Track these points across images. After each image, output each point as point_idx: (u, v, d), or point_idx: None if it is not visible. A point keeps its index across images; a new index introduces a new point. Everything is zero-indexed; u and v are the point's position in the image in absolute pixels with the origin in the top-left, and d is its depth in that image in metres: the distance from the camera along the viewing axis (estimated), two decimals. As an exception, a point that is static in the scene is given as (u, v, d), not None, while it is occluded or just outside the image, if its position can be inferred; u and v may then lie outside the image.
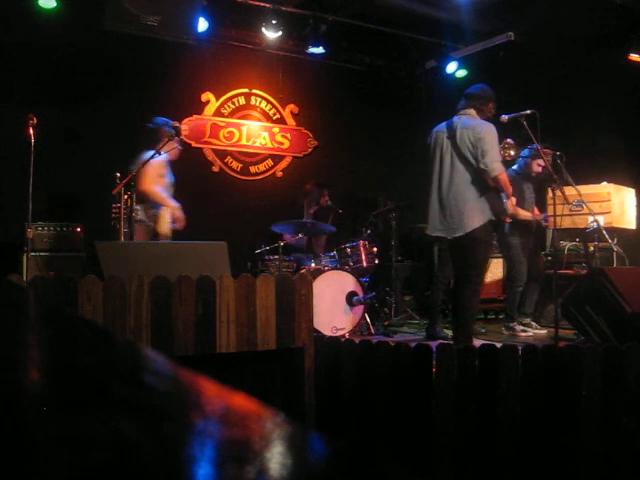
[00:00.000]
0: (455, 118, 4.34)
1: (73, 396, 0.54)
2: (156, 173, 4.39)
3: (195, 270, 2.51)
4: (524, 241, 5.45)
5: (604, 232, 4.81)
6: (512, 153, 5.10)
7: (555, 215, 4.53)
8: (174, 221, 4.54)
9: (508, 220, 4.39)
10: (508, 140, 5.13)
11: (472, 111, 4.32)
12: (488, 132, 4.14)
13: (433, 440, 2.72)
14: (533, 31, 6.60)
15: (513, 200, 5.40)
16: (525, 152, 5.30)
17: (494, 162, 4.10)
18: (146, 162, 4.19)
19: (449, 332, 4.86)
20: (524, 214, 5.37)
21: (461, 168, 4.20)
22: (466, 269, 4.24)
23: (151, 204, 4.42)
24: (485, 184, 4.19)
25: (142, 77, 6.40)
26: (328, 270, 5.13)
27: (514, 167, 5.54)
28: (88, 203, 5.85)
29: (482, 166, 4.10)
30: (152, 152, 4.27)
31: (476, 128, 4.17)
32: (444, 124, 4.40)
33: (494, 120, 4.39)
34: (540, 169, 5.30)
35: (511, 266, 5.52)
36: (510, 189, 4.36)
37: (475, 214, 4.16)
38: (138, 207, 4.17)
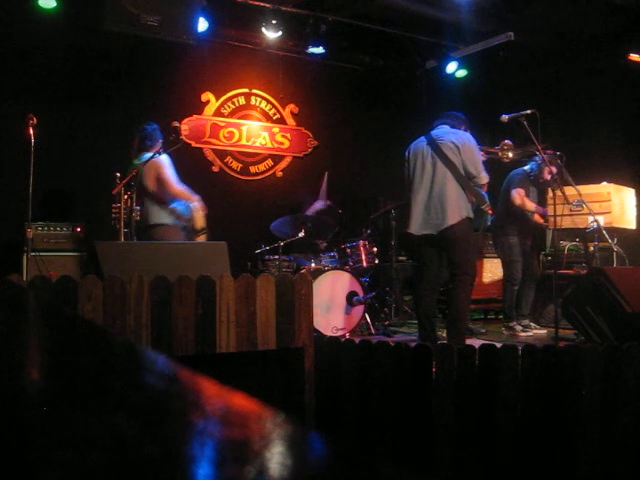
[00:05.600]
0: (432, 131, 4.58)
1: (73, 396, 0.54)
2: (173, 172, 4.45)
3: (195, 270, 2.51)
4: (521, 241, 5.48)
5: (604, 232, 4.81)
6: (510, 155, 5.13)
7: (555, 215, 4.53)
8: None
9: (489, 211, 4.51)
10: (507, 141, 5.15)
11: (446, 126, 4.58)
12: (470, 139, 4.45)
13: (433, 440, 2.72)
14: (533, 31, 6.59)
15: (522, 192, 5.45)
16: (539, 157, 5.32)
17: (482, 171, 4.40)
18: (150, 164, 4.25)
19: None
20: (530, 205, 5.46)
21: (442, 168, 4.37)
22: (451, 267, 4.39)
23: (178, 204, 4.47)
24: (463, 182, 4.36)
25: (142, 77, 6.40)
26: (328, 270, 5.13)
27: (525, 167, 5.57)
28: (88, 203, 5.84)
29: (474, 173, 4.36)
30: (163, 156, 4.38)
31: (457, 133, 4.47)
32: (422, 137, 4.62)
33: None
34: (549, 177, 5.31)
35: (507, 265, 5.55)
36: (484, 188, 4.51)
37: (455, 210, 4.31)
38: (138, 207, 4.17)
